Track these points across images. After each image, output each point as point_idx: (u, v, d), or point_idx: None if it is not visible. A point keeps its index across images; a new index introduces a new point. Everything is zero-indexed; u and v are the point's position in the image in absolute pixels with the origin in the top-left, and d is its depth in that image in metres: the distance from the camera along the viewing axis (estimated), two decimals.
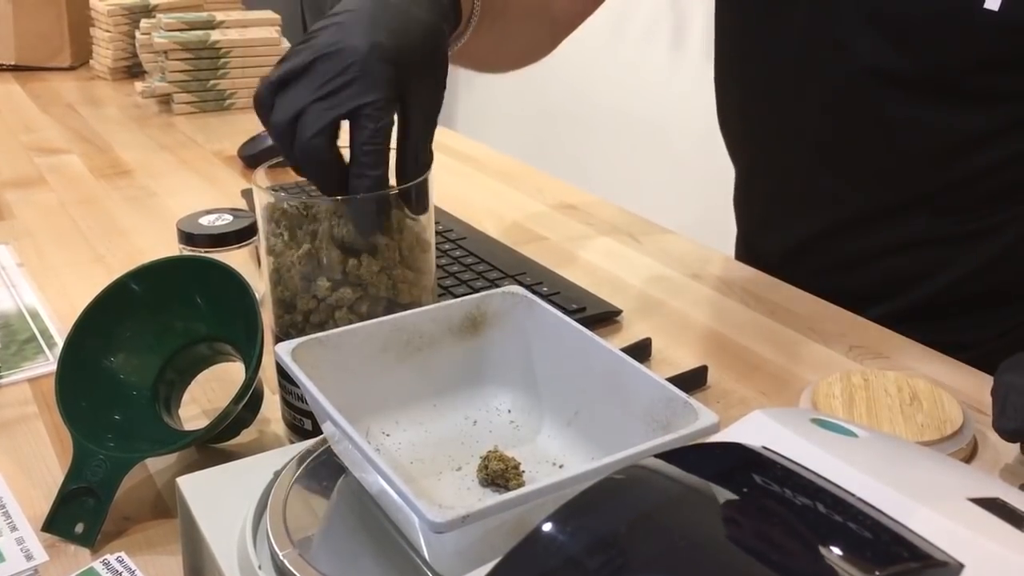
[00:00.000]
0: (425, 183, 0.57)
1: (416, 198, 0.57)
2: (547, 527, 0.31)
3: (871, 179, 0.84)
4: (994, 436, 0.64)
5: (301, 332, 0.56)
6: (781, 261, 0.91)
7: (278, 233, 0.56)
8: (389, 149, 0.55)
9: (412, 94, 0.56)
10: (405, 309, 0.53)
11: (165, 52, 1.39)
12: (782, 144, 0.89)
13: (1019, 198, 0.80)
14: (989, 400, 0.67)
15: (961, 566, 0.29)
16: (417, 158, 0.57)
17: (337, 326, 0.53)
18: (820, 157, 0.86)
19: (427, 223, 0.58)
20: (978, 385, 0.70)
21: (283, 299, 0.57)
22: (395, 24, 0.56)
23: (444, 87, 0.59)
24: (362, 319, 0.54)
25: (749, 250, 0.99)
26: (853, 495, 0.32)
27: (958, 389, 0.69)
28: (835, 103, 0.83)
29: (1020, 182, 0.80)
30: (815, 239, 0.89)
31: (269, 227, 0.56)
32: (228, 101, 1.42)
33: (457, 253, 0.86)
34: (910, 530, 0.30)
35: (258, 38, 1.43)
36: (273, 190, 0.56)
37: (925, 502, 0.32)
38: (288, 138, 0.54)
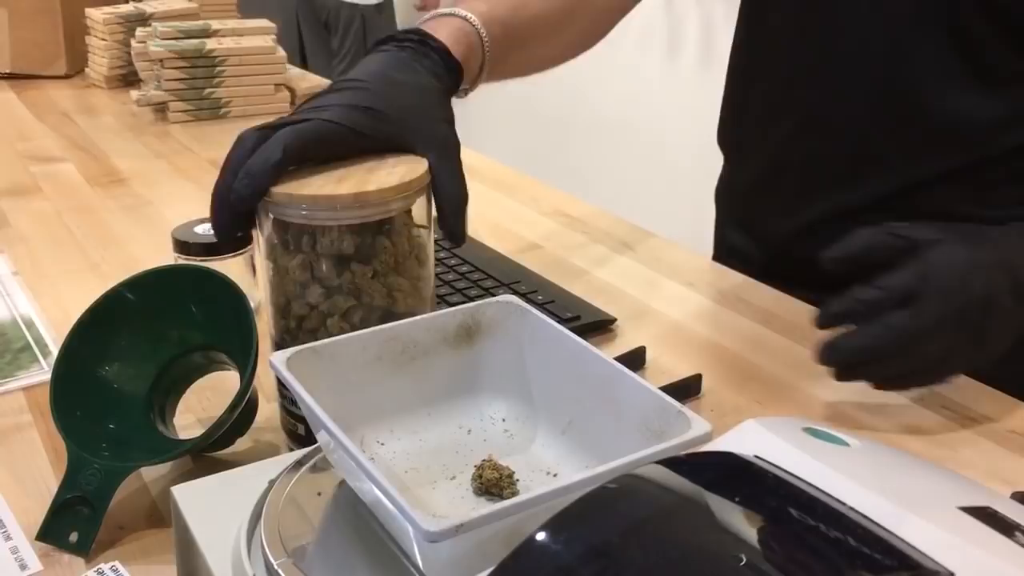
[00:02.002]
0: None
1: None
2: (540, 536, 0.31)
3: (896, 157, 0.82)
4: (985, 444, 0.64)
5: (295, 338, 0.56)
6: (784, 244, 0.90)
7: (276, 242, 0.56)
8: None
9: (420, 142, 0.59)
10: (401, 319, 0.53)
11: (161, 61, 1.39)
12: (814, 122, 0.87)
13: None
14: (983, 409, 0.68)
15: (951, 574, 0.29)
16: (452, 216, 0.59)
17: (330, 334, 0.53)
18: (851, 140, 0.84)
19: (427, 236, 0.59)
20: (970, 392, 0.70)
21: (279, 304, 0.57)
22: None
23: (450, 133, 0.61)
24: (355, 328, 0.54)
25: (733, 240, 0.98)
26: (845, 504, 0.32)
27: (948, 396, 0.69)
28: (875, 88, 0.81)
29: None
30: (826, 221, 0.86)
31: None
32: (223, 110, 1.42)
33: (452, 262, 0.87)
34: (901, 539, 0.31)
35: (253, 47, 1.44)
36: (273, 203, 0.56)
37: (916, 511, 0.32)
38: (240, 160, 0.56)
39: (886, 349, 0.60)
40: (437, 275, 0.84)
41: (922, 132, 0.80)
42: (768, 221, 0.94)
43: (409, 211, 0.57)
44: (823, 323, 0.62)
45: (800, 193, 0.89)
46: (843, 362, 0.62)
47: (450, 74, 0.67)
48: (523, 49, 0.80)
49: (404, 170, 0.56)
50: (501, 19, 0.75)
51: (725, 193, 1.02)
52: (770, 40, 0.91)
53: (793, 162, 0.90)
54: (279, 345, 0.57)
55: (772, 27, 0.90)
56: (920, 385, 0.66)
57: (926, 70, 0.79)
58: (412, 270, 0.57)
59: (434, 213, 0.59)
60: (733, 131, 0.99)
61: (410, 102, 0.61)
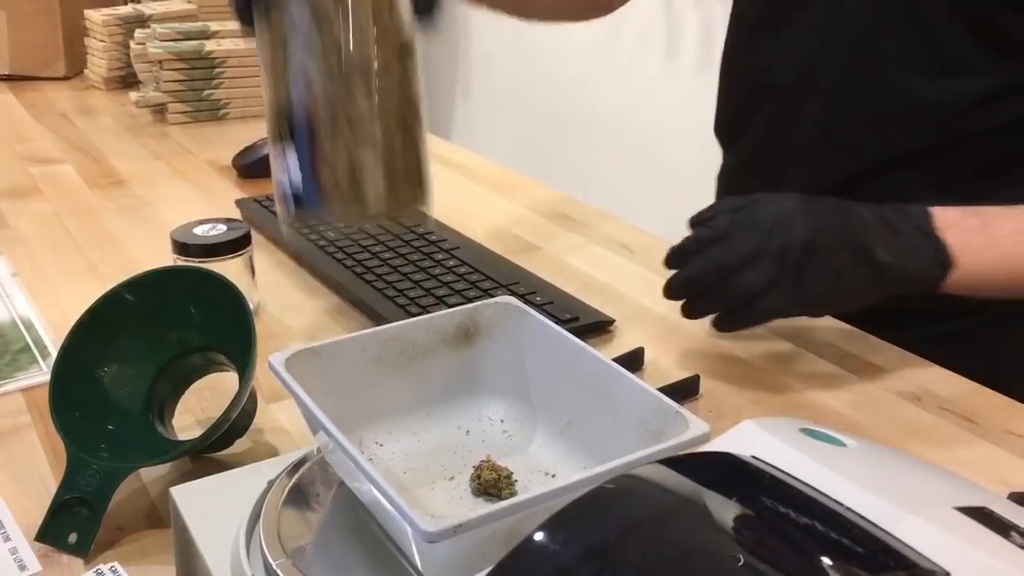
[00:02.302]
0: None
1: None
2: (538, 536, 0.31)
3: (860, 141, 0.84)
4: (982, 444, 0.64)
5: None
6: None
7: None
8: None
9: None
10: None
11: (160, 62, 1.39)
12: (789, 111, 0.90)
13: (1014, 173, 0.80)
14: (979, 410, 0.68)
15: (947, 574, 0.29)
16: None
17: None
18: (825, 130, 0.86)
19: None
20: (969, 393, 0.70)
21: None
22: None
23: None
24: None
25: None
26: (841, 504, 0.32)
27: (945, 396, 0.69)
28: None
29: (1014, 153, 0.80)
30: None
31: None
32: (222, 111, 1.42)
33: (451, 263, 0.87)
34: (897, 539, 0.31)
35: (252, 48, 1.44)
36: None
37: (912, 511, 0.32)
38: None
39: (705, 279, 0.66)
40: (435, 277, 0.84)
41: (884, 117, 0.82)
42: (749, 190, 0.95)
43: None
44: (668, 261, 0.69)
45: (774, 176, 0.90)
46: (676, 294, 0.69)
47: None
48: None
49: None
50: None
51: (719, 180, 1.04)
52: (747, 28, 0.94)
53: (768, 146, 0.92)
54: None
55: (750, 16, 0.93)
56: (745, 321, 0.69)
57: (888, 56, 0.81)
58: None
59: None
60: (722, 121, 1.01)
61: None
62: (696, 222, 0.68)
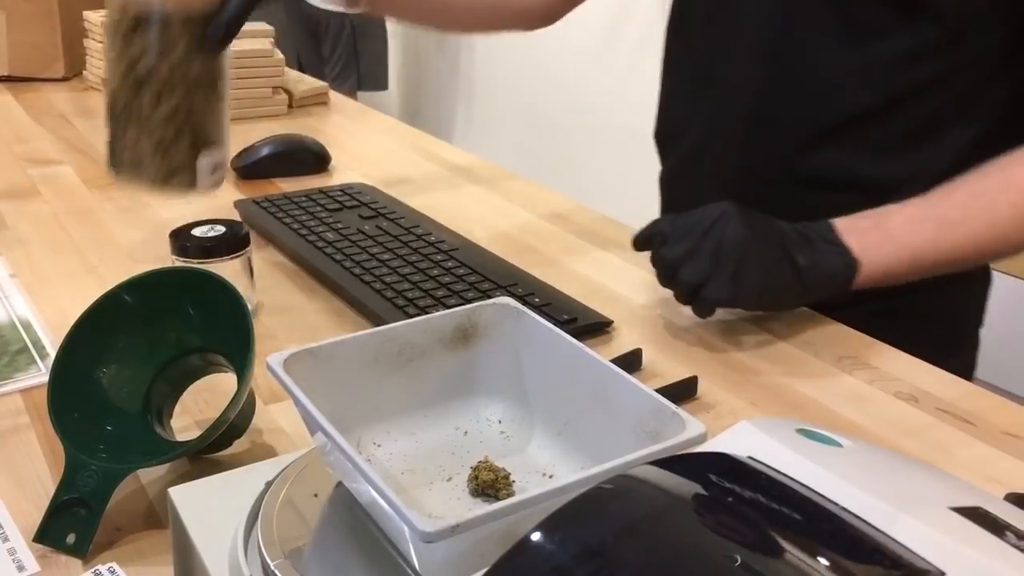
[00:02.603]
0: None
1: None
2: (535, 537, 0.32)
3: (788, 117, 0.89)
4: (979, 445, 0.64)
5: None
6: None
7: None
8: None
9: None
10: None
11: None
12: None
13: (939, 134, 0.85)
14: (972, 408, 0.68)
15: (943, 574, 0.30)
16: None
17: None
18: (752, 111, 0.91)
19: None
20: (963, 393, 0.70)
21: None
22: None
23: None
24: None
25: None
26: (837, 504, 0.32)
27: (942, 397, 0.70)
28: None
29: (940, 114, 0.84)
30: (729, 182, 0.94)
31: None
32: None
33: (449, 264, 0.87)
34: (893, 539, 0.31)
35: (251, 49, 1.44)
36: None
37: (908, 511, 0.32)
38: None
39: (662, 272, 0.76)
40: (434, 278, 0.84)
41: (807, 91, 0.87)
42: (691, 190, 1.01)
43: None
44: (636, 245, 0.80)
45: (716, 166, 0.96)
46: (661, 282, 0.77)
47: None
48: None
49: None
50: None
51: (661, 184, 1.08)
52: (684, 31, 0.98)
53: (708, 138, 0.97)
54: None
55: (682, 19, 0.98)
56: (698, 306, 0.76)
57: (808, 28, 0.85)
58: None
59: None
60: (664, 122, 1.05)
61: None
62: (643, 239, 0.78)
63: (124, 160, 0.83)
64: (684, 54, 0.99)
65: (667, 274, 0.75)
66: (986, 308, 0.99)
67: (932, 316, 0.91)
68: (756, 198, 0.85)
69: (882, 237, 0.76)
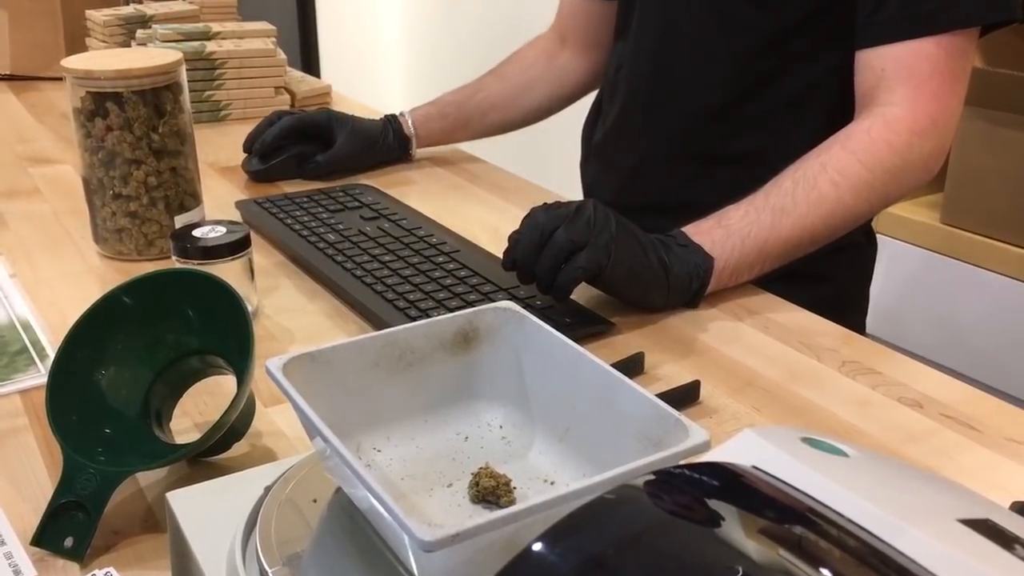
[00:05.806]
0: None
1: None
2: (537, 547, 0.31)
3: (681, 98, 1.01)
4: (984, 452, 0.64)
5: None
6: (613, 198, 1.01)
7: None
8: None
9: None
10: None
11: None
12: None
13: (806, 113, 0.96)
14: (980, 416, 0.68)
15: None
16: None
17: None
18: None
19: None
20: (967, 399, 0.70)
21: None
22: None
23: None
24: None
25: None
26: (843, 515, 0.32)
27: (946, 402, 0.69)
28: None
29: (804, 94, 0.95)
30: (638, 169, 1.07)
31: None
32: (223, 112, 1.42)
33: (451, 266, 0.86)
34: (900, 552, 0.30)
35: (254, 49, 1.43)
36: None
37: (915, 523, 0.32)
38: None
39: (531, 236, 0.76)
40: (435, 280, 0.84)
41: (690, 80, 0.99)
42: (600, 174, 1.15)
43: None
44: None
45: (630, 148, 1.08)
46: (509, 255, 0.79)
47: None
48: (482, 118, 1.21)
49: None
50: (456, 101, 1.20)
51: (582, 169, 1.20)
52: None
53: (618, 126, 1.09)
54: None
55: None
56: (566, 274, 0.76)
57: (688, 25, 0.98)
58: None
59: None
60: (589, 119, 1.18)
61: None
62: (510, 239, 0.79)
63: (106, 235, 0.92)
64: (609, 62, 1.12)
65: (538, 237, 0.75)
66: (874, 271, 1.09)
67: (827, 278, 1.00)
68: (656, 174, 1.04)
69: (725, 233, 0.83)
